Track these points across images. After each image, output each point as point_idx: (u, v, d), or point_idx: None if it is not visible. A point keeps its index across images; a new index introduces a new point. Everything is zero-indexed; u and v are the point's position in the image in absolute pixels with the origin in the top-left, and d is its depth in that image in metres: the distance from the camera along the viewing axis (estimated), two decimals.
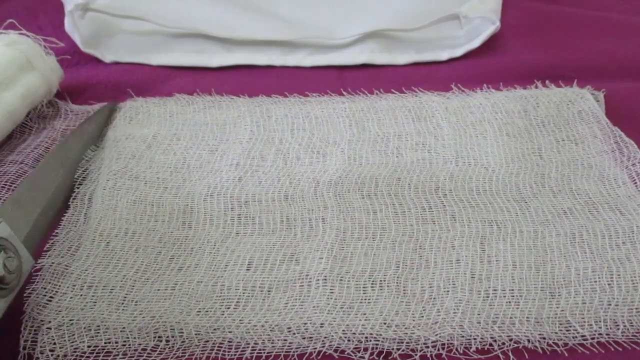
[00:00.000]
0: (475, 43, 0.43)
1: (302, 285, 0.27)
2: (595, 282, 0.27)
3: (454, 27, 0.44)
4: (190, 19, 0.43)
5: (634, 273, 0.27)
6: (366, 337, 0.25)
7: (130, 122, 0.36)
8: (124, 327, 0.25)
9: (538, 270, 0.28)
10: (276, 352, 0.25)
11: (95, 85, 0.39)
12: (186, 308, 0.26)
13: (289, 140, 0.35)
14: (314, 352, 0.25)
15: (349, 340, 0.25)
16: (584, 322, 0.26)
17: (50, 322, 0.25)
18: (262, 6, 0.45)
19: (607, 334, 0.25)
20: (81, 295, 0.26)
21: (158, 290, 0.27)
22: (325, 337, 0.25)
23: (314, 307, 0.26)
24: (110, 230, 0.29)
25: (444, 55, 0.43)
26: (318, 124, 0.36)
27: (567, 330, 0.26)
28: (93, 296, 0.26)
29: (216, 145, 0.35)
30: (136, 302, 0.26)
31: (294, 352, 0.25)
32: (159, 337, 0.25)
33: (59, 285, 0.27)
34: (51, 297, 0.26)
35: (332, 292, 0.26)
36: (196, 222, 0.30)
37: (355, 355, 0.25)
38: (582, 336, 0.25)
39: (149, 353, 0.25)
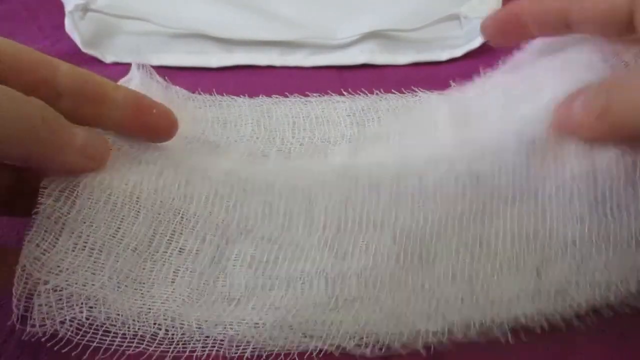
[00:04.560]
0: (476, 43, 0.43)
1: (304, 283, 0.27)
2: (592, 243, 0.27)
3: (454, 27, 0.44)
4: (190, 20, 0.43)
5: (630, 231, 0.26)
6: (367, 334, 0.25)
7: None
8: (123, 306, 0.24)
9: (536, 239, 0.27)
10: (277, 350, 0.25)
11: None
12: (189, 299, 0.25)
13: (290, 140, 0.35)
14: (315, 350, 0.25)
15: (350, 338, 0.25)
16: (579, 287, 0.26)
17: (47, 282, 0.24)
18: (262, 6, 0.46)
19: (600, 298, 0.25)
20: (82, 257, 0.25)
21: (160, 272, 0.26)
22: (326, 335, 0.25)
23: (315, 304, 0.26)
24: (110, 182, 0.27)
25: (444, 55, 0.43)
26: (319, 123, 0.36)
27: (564, 300, 0.26)
28: (95, 262, 0.25)
29: (217, 142, 0.34)
30: (140, 282, 0.25)
31: (294, 350, 0.25)
32: (158, 325, 0.24)
33: (57, 239, 0.25)
34: (46, 250, 0.24)
35: (333, 290, 0.26)
36: (196, 203, 0.28)
37: (357, 351, 0.25)
38: (578, 304, 0.25)
39: (148, 342, 0.24)
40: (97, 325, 0.24)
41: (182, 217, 0.28)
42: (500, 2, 0.45)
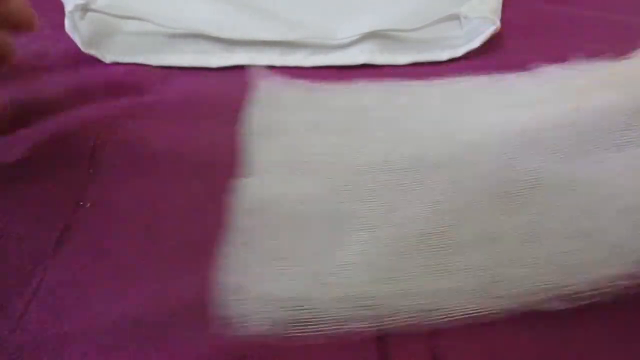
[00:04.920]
0: (476, 43, 0.43)
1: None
2: None
3: (454, 27, 0.44)
4: (191, 20, 0.43)
5: None
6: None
7: (267, 105, 0.36)
8: (317, 299, 0.26)
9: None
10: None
11: (94, 85, 0.39)
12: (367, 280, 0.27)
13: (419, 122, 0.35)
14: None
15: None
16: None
17: (245, 290, 0.26)
18: (262, 6, 0.46)
19: None
20: (272, 266, 0.27)
21: (334, 259, 0.28)
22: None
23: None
24: (287, 197, 0.30)
25: (444, 55, 0.43)
26: (447, 101, 0.37)
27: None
28: (283, 269, 0.27)
29: (354, 127, 0.35)
30: (321, 274, 0.27)
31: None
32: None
33: (249, 252, 0.28)
34: (242, 262, 0.27)
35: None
36: (358, 196, 0.30)
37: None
38: None
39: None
40: (297, 317, 0.26)
41: (349, 216, 0.30)
42: (500, 3, 0.45)
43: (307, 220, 0.29)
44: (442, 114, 0.36)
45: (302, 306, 0.26)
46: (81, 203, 0.32)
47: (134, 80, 0.40)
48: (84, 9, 0.41)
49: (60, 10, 0.42)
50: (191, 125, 0.36)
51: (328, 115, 0.36)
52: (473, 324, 0.26)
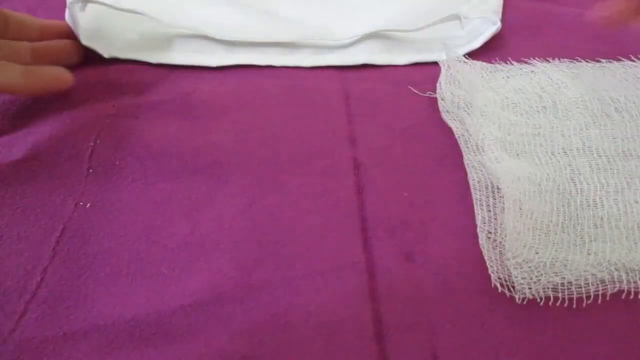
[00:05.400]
0: (476, 43, 0.43)
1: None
2: None
3: (455, 28, 0.44)
4: (191, 20, 0.43)
5: None
6: None
7: (456, 85, 0.38)
8: (579, 264, 0.29)
9: None
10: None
11: (94, 85, 0.39)
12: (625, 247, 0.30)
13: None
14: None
15: None
16: None
17: (515, 257, 0.28)
18: (263, 7, 0.45)
19: None
20: (528, 236, 0.29)
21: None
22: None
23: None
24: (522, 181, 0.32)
25: (444, 56, 0.43)
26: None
27: None
28: (546, 237, 0.30)
29: (549, 105, 0.37)
30: (587, 242, 0.30)
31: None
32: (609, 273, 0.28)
33: (502, 227, 0.30)
34: (502, 237, 0.30)
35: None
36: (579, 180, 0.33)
37: None
38: None
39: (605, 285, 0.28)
40: (562, 282, 0.28)
41: (575, 193, 0.32)
42: (501, 3, 0.45)
43: (541, 195, 0.32)
44: (625, 95, 0.38)
45: (566, 269, 0.28)
46: (81, 203, 0.32)
47: (133, 80, 0.40)
48: (84, 0, 0.41)
49: (60, 9, 0.42)
50: (191, 125, 0.36)
51: (514, 95, 0.38)
52: (472, 323, 0.26)
